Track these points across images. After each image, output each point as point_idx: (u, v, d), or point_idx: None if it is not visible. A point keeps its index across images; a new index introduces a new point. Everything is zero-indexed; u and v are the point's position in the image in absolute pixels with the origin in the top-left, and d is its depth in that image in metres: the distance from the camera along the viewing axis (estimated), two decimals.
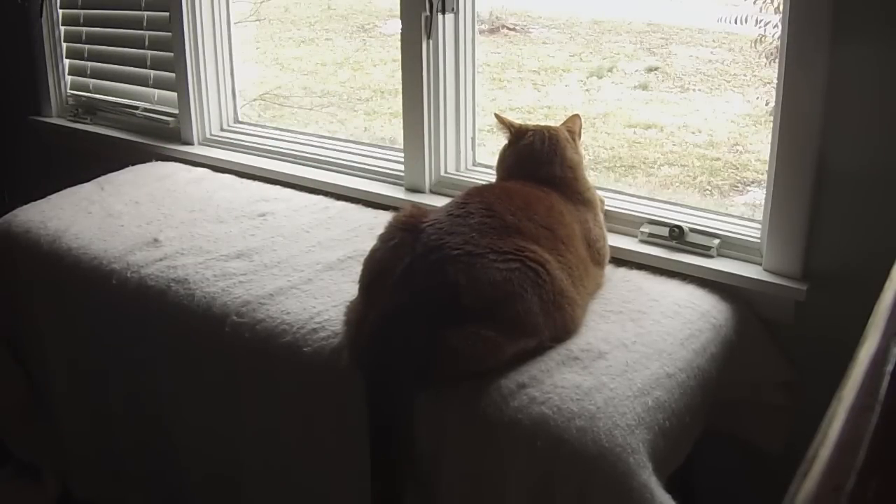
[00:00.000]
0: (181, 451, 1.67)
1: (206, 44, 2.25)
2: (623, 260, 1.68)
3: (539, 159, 1.57)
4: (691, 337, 1.44)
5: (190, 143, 2.32)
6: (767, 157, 1.64)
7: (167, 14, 2.25)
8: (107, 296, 1.68)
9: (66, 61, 2.57)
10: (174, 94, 2.34)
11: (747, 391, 1.61)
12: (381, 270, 1.37)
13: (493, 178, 1.71)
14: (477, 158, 2.00)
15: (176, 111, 2.35)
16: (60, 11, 2.52)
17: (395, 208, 1.63)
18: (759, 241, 1.64)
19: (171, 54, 2.28)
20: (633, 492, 1.18)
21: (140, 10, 2.36)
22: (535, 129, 1.61)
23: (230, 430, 1.57)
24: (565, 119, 1.65)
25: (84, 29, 2.50)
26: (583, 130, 1.67)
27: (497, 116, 1.66)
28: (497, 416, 1.26)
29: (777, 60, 1.59)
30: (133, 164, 2.22)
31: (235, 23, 2.32)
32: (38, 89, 2.59)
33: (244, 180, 2.14)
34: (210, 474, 1.65)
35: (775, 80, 1.57)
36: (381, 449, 1.26)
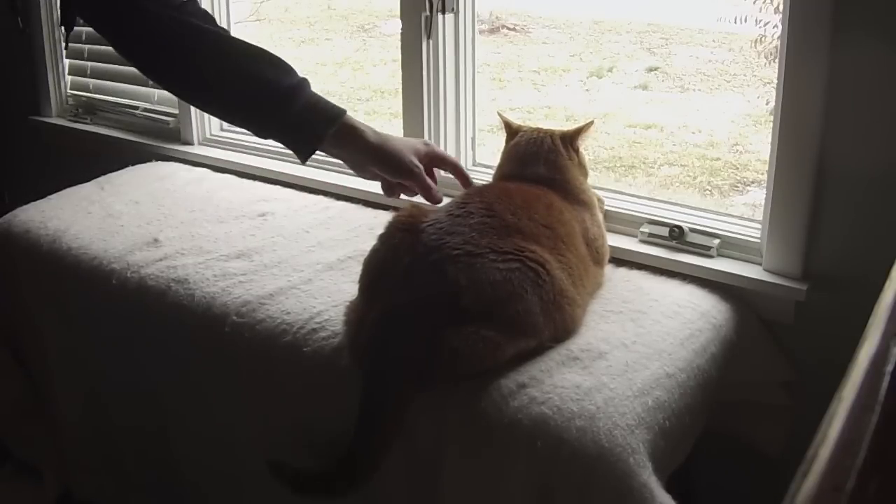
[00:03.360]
0: (181, 449, 1.67)
1: None
2: (623, 260, 1.67)
3: (523, 159, 1.57)
4: (691, 337, 1.44)
5: (190, 143, 2.32)
6: (767, 157, 1.64)
7: None
8: (107, 296, 1.68)
9: (66, 61, 2.57)
10: None
11: (747, 391, 1.61)
12: (381, 270, 1.38)
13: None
14: (477, 158, 1.99)
15: (176, 111, 2.35)
16: (60, 12, 2.52)
17: (395, 208, 1.62)
18: (759, 241, 1.64)
19: None
20: (633, 492, 1.18)
21: None
22: (526, 129, 1.62)
23: (230, 430, 1.57)
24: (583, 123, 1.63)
25: (84, 29, 2.49)
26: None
27: (499, 115, 1.67)
28: (497, 416, 1.26)
29: (777, 60, 1.59)
30: (133, 164, 2.22)
31: (235, 23, 2.31)
32: (38, 89, 2.59)
33: (244, 180, 2.14)
34: (210, 473, 1.65)
35: (775, 80, 1.57)
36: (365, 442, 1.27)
